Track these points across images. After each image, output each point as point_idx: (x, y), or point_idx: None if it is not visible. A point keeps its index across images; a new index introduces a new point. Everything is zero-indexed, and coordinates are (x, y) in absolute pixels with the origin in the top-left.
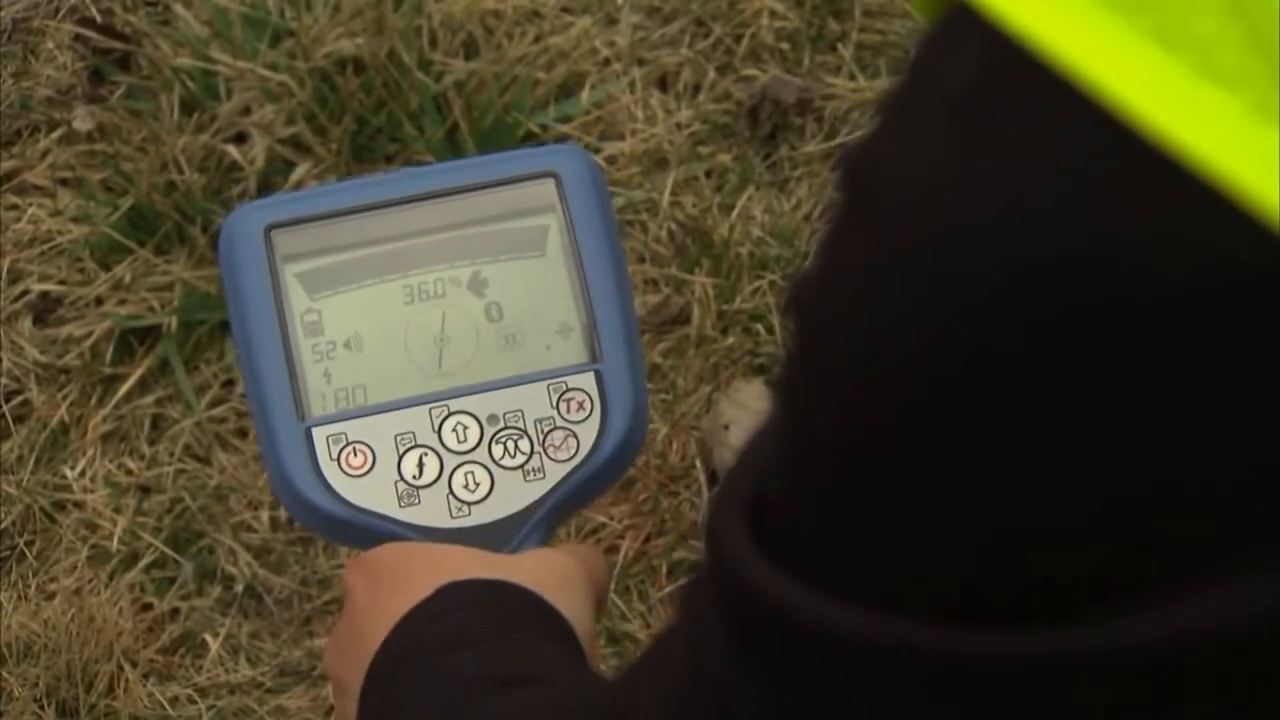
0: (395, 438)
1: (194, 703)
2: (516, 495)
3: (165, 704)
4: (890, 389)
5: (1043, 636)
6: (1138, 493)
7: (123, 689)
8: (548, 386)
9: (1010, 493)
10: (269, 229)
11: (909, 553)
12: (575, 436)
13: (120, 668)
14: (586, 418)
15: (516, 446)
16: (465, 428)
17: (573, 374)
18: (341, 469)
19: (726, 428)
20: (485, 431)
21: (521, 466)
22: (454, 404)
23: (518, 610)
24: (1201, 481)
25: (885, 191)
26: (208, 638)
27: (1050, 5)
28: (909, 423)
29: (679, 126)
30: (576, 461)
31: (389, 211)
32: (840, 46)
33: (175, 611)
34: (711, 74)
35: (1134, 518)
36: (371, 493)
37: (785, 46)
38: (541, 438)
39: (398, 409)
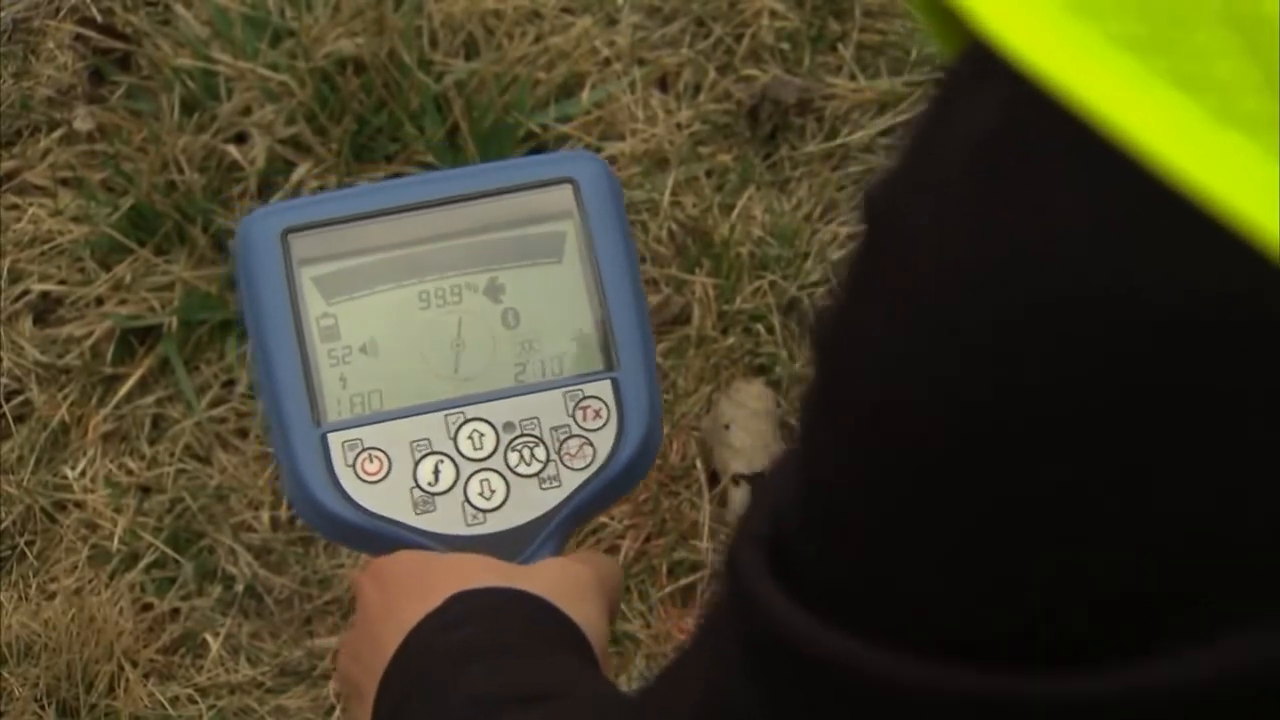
0: (411, 444)
1: (194, 703)
2: (532, 503)
3: (166, 704)
4: (905, 432)
5: (1060, 680)
6: (1169, 534)
7: (123, 689)
8: (564, 394)
9: (1028, 534)
10: (285, 232)
11: (925, 592)
12: (591, 445)
13: (121, 668)
14: (603, 426)
15: (532, 454)
16: (481, 435)
17: (589, 382)
18: (357, 475)
19: (727, 428)
20: (501, 439)
21: (537, 474)
22: (470, 411)
23: (531, 620)
24: (1235, 526)
25: (903, 234)
26: (208, 638)
27: (1069, 48)
28: (925, 465)
29: (679, 126)
30: (592, 470)
31: (406, 216)
32: (841, 46)
33: (175, 611)
34: (712, 74)
35: (1164, 561)
36: (387, 499)
37: (786, 46)
38: (557, 446)
39: (414, 415)
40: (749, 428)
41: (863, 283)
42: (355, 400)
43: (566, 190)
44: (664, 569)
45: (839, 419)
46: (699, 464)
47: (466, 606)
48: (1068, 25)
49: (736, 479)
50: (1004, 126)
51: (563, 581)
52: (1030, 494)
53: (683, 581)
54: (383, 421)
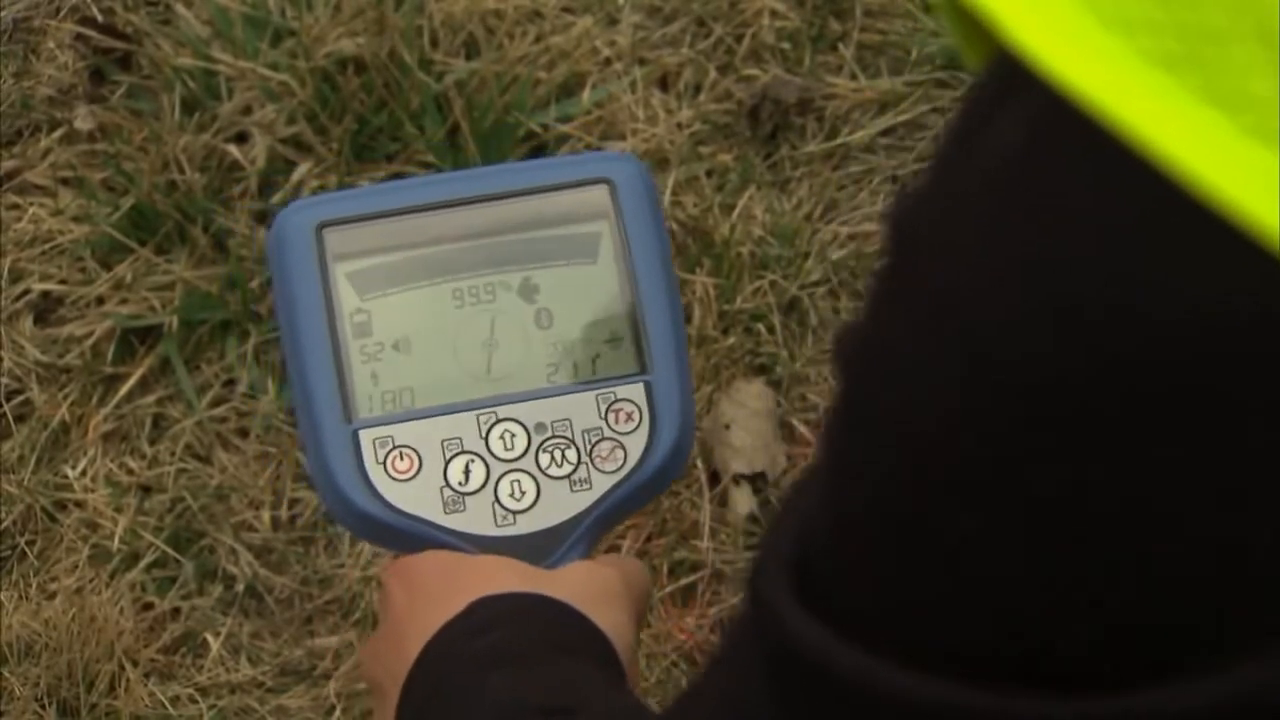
0: (442, 443)
1: (195, 702)
2: (562, 505)
3: (166, 703)
4: (935, 454)
5: (1080, 702)
6: (1200, 561)
7: (124, 688)
8: (596, 396)
9: (1050, 562)
10: (320, 227)
11: (951, 615)
12: (623, 447)
13: (121, 667)
14: (635, 429)
15: (564, 456)
16: (513, 435)
17: (622, 384)
18: (387, 472)
19: (727, 427)
20: (533, 440)
21: (568, 476)
22: (502, 411)
23: (556, 627)
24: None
25: (926, 249)
26: (209, 637)
27: (1102, 64)
28: (954, 487)
29: (680, 126)
30: (624, 473)
31: (441, 213)
32: (841, 46)
33: (176, 611)
34: (712, 74)
35: (1194, 585)
36: (417, 498)
37: (786, 46)
38: (589, 448)
39: (446, 414)
40: (749, 427)
41: (887, 303)
42: (387, 397)
43: (603, 190)
44: (664, 569)
45: (865, 439)
46: (699, 464)
47: (491, 612)
48: (1100, 40)
49: (737, 479)
50: (1029, 142)
51: (589, 587)
52: (1052, 498)
53: (683, 581)
54: (414, 419)
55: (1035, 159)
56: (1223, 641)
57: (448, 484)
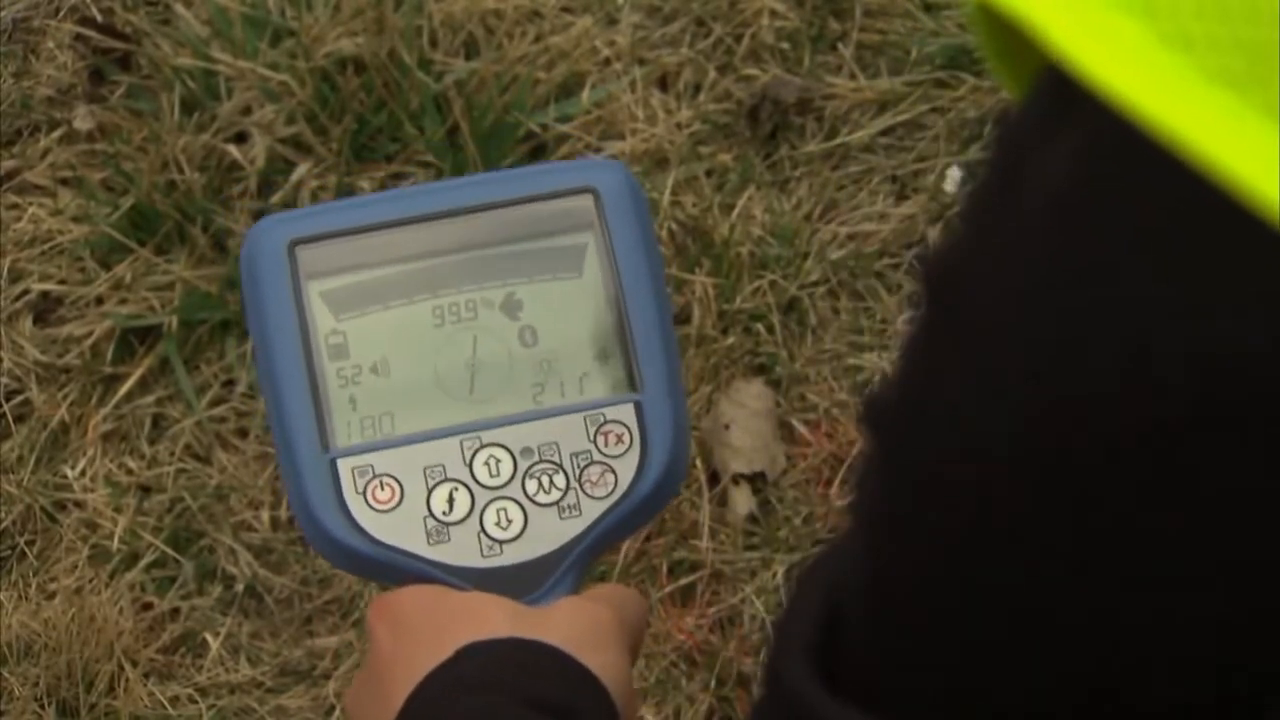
0: (424, 470)
1: (194, 702)
2: (551, 534)
3: (166, 703)
4: (997, 507)
5: None
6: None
7: (123, 688)
8: (584, 418)
9: (1117, 634)
10: (293, 244)
11: (1002, 693)
12: (613, 472)
13: (121, 667)
14: (625, 451)
15: (551, 482)
16: (498, 461)
17: (611, 405)
18: (368, 503)
19: (727, 427)
20: (519, 465)
21: (557, 503)
22: (486, 435)
23: (548, 680)
24: None
25: (974, 301)
26: (208, 637)
27: (1164, 80)
28: (1019, 539)
29: (679, 126)
30: (615, 499)
31: (419, 227)
32: (841, 46)
33: (176, 611)
34: (712, 74)
35: (1252, 642)
36: (399, 529)
37: (786, 46)
38: (578, 473)
39: (427, 440)
40: (749, 427)
41: (931, 357)
42: (366, 423)
43: (587, 200)
44: (664, 569)
45: (913, 507)
46: (699, 464)
47: (479, 661)
48: (1161, 57)
49: (736, 478)
50: (1084, 176)
51: (582, 628)
52: (1126, 546)
53: (682, 581)
54: (395, 446)
55: (1089, 191)
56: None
57: (431, 514)
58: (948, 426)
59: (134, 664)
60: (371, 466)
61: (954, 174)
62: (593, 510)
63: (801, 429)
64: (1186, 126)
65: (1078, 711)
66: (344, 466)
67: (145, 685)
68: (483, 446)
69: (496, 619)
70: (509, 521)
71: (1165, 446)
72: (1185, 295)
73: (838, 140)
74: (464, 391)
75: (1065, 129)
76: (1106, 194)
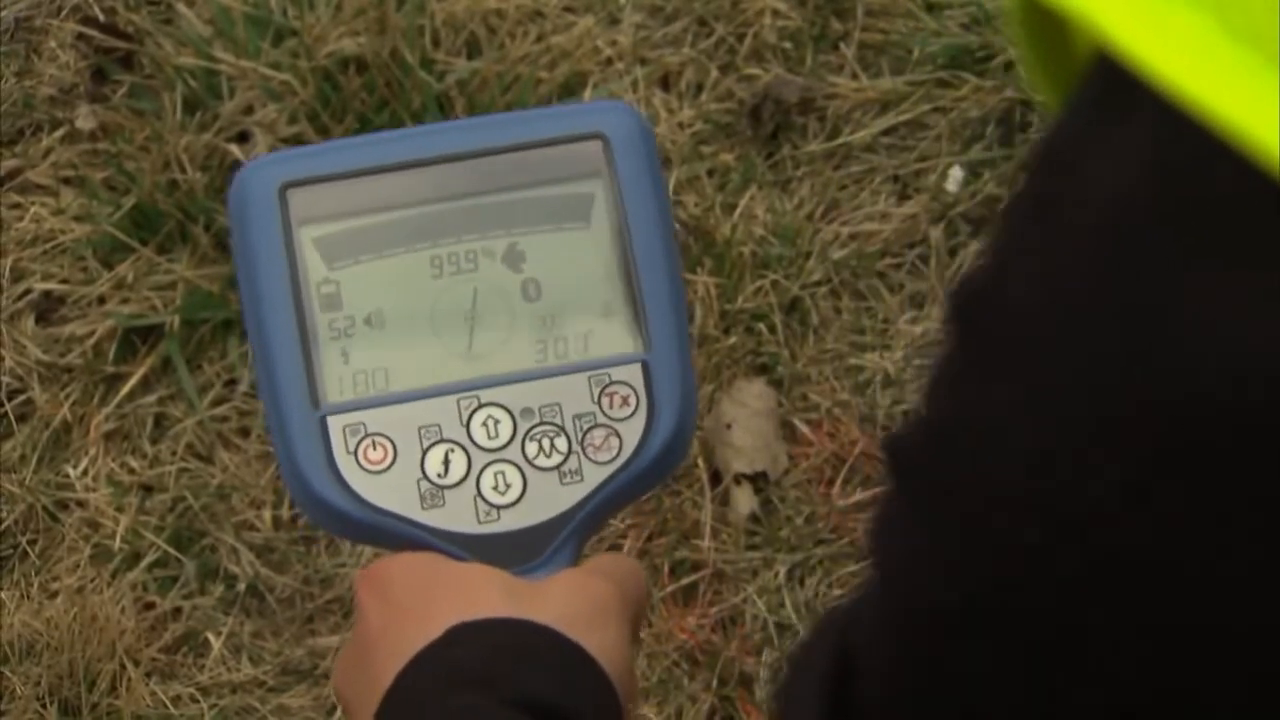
0: (419, 430)
1: (196, 702)
2: (551, 500)
3: (167, 703)
4: (1046, 554)
5: None
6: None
7: (125, 688)
8: (589, 378)
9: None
10: (284, 187)
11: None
12: (618, 435)
13: (122, 666)
14: (631, 414)
15: (552, 445)
16: (497, 422)
17: (617, 365)
18: (359, 464)
19: (729, 427)
20: (519, 427)
21: (557, 467)
22: (485, 395)
23: (541, 665)
24: None
25: (1019, 320)
26: (210, 637)
27: (1235, 77)
28: (1073, 585)
29: (681, 126)
30: (618, 464)
31: (418, 172)
32: (843, 46)
33: (177, 610)
34: (714, 73)
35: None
36: (391, 492)
37: (788, 46)
38: (580, 436)
39: (423, 398)
40: (750, 427)
41: (968, 391)
42: (358, 379)
43: (595, 146)
44: (665, 568)
45: (947, 548)
46: (701, 463)
47: (468, 648)
48: (1230, 54)
49: (738, 478)
50: (1144, 183)
51: (580, 606)
52: (1190, 579)
53: (684, 581)
54: (388, 404)
55: (1155, 199)
56: None
57: (425, 476)
58: (975, 477)
59: (136, 663)
60: (363, 425)
61: (956, 173)
62: (595, 476)
63: (803, 429)
64: (1262, 128)
65: None
66: (334, 424)
67: (147, 685)
68: (481, 406)
69: (490, 595)
70: (507, 486)
71: (1255, 492)
72: (1267, 313)
73: (840, 140)
74: (462, 347)
75: (1120, 133)
76: (1175, 202)
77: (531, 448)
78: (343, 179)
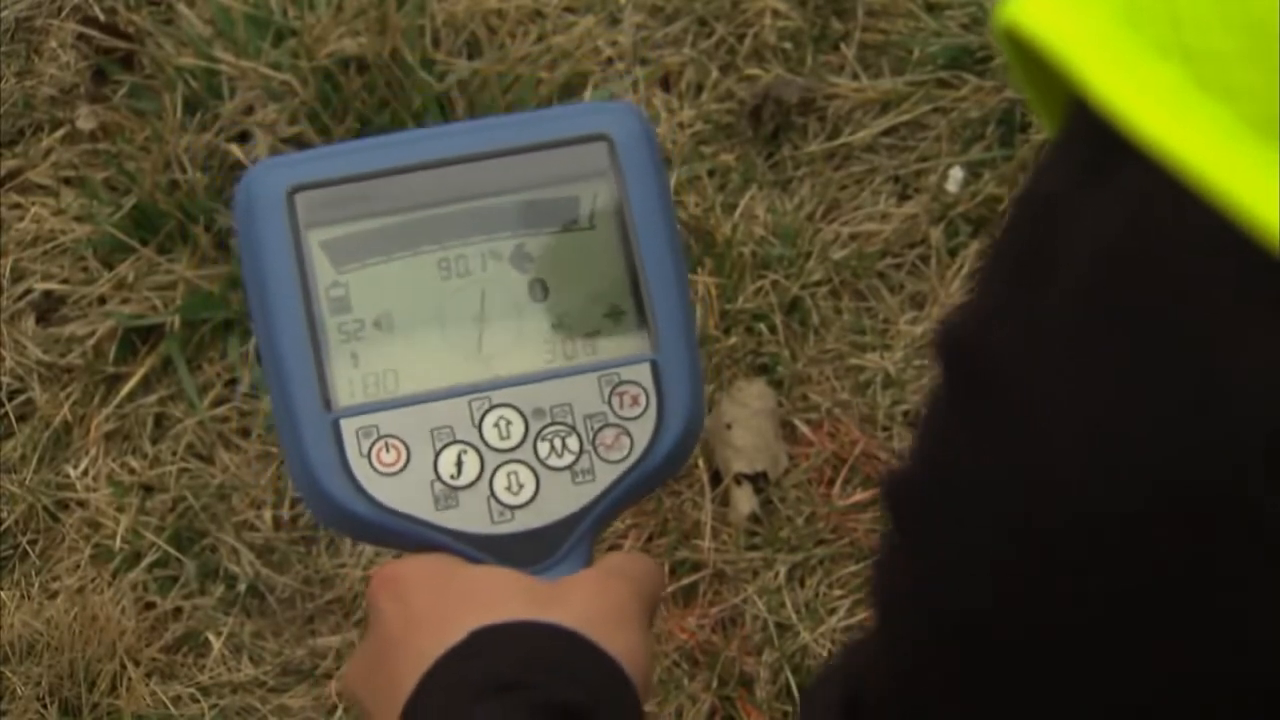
0: (432, 432)
1: (196, 701)
2: (564, 499)
3: (168, 703)
4: (1052, 604)
5: None
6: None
7: (125, 688)
8: (599, 378)
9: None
10: (292, 190)
11: None
12: (628, 434)
13: (123, 666)
14: (641, 414)
15: (564, 445)
16: (508, 423)
17: (626, 365)
18: (372, 466)
19: (729, 427)
20: (530, 427)
21: (570, 467)
22: (496, 396)
23: (566, 670)
24: None
25: (1008, 377)
26: (210, 637)
27: (1208, 132)
28: (1059, 646)
29: (682, 126)
30: (629, 462)
31: (424, 174)
32: (843, 46)
33: (178, 610)
34: (714, 74)
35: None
36: (405, 493)
37: (788, 46)
38: (591, 435)
39: (434, 400)
40: (751, 427)
41: (957, 439)
42: (369, 381)
43: (600, 148)
44: (666, 569)
45: (935, 591)
46: (701, 463)
47: (491, 653)
48: (1200, 105)
49: (738, 478)
50: (1131, 240)
51: (600, 608)
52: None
53: (684, 581)
54: (400, 406)
55: (1142, 254)
56: None
57: (438, 477)
58: (966, 522)
59: (136, 663)
60: (376, 427)
61: (956, 174)
62: (607, 474)
63: (803, 429)
64: (1226, 177)
65: None
66: (347, 427)
67: (147, 685)
68: (492, 407)
69: (510, 598)
70: (520, 486)
71: (1236, 541)
72: (1260, 373)
73: (840, 140)
74: (472, 348)
75: (1107, 186)
76: (1161, 260)
77: (544, 448)
78: (350, 182)
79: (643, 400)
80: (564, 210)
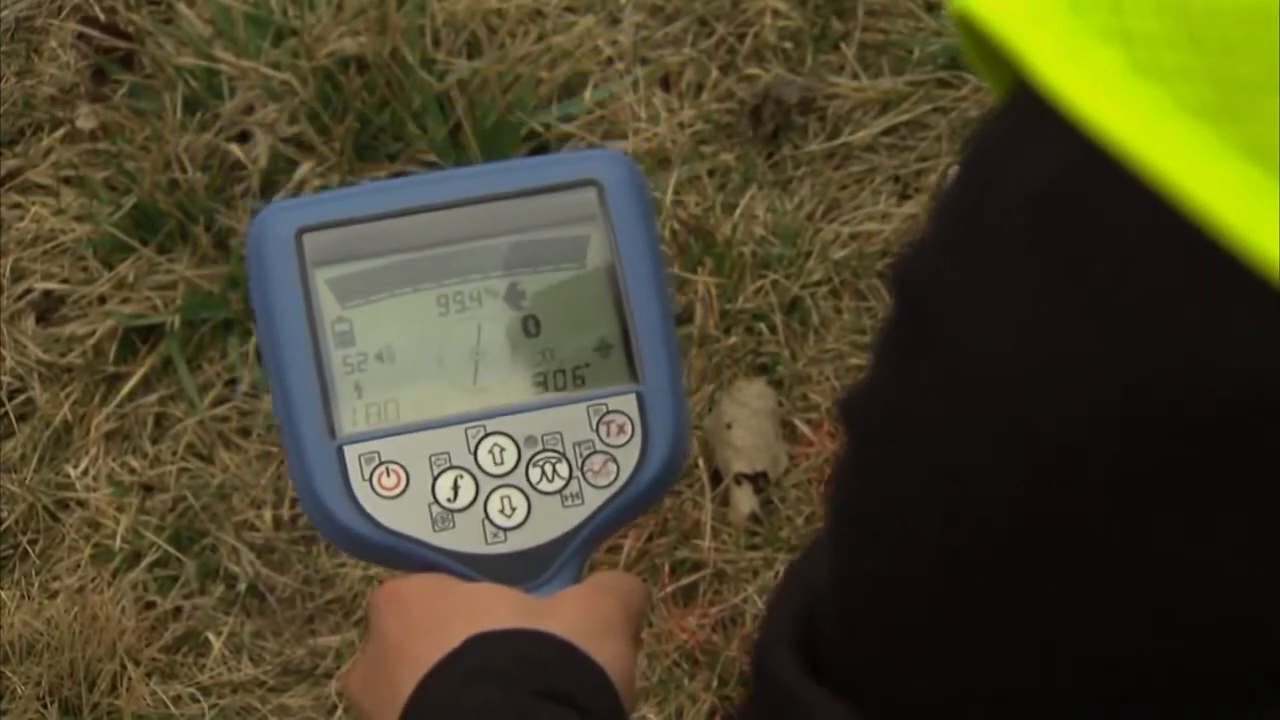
0: (430, 458)
1: (196, 701)
2: (554, 521)
3: (168, 703)
4: (971, 534)
5: None
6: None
7: (125, 688)
8: (587, 408)
9: (1076, 637)
10: (300, 232)
11: (970, 691)
12: (615, 461)
13: (123, 666)
14: (627, 441)
15: (555, 470)
16: (502, 449)
17: (613, 395)
18: (374, 490)
19: (729, 427)
20: (523, 454)
21: (560, 491)
22: (491, 424)
23: (556, 669)
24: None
25: (951, 316)
26: (210, 636)
27: (1139, 112)
28: (984, 569)
29: (682, 126)
30: (616, 487)
31: (424, 217)
32: (843, 46)
33: (178, 610)
34: (714, 73)
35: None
36: (404, 515)
37: (788, 46)
38: (580, 462)
39: (433, 428)
40: (751, 427)
41: (904, 368)
42: (371, 410)
43: (590, 192)
44: (666, 568)
45: (881, 509)
46: (701, 463)
47: (486, 654)
48: (1137, 88)
49: (738, 478)
50: (1053, 194)
51: (589, 620)
52: (1091, 556)
53: (684, 580)
54: (400, 434)
55: (1063, 209)
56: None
57: (436, 500)
58: (907, 449)
59: (136, 663)
60: (377, 453)
61: (956, 174)
62: (595, 499)
63: (804, 429)
64: (1160, 158)
65: (1041, 696)
66: (350, 453)
67: (147, 684)
68: (487, 435)
69: (503, 610)
70: (513, 509)
71: (1145, 470)
72: (1172, 316)
73: (840, 140)
74: (468, 380)
75: (1037, 141)
76: (1080, 214)
77: (535, 473)
78: (354, 224)
79: (629, 429)
80: (556, 251)
